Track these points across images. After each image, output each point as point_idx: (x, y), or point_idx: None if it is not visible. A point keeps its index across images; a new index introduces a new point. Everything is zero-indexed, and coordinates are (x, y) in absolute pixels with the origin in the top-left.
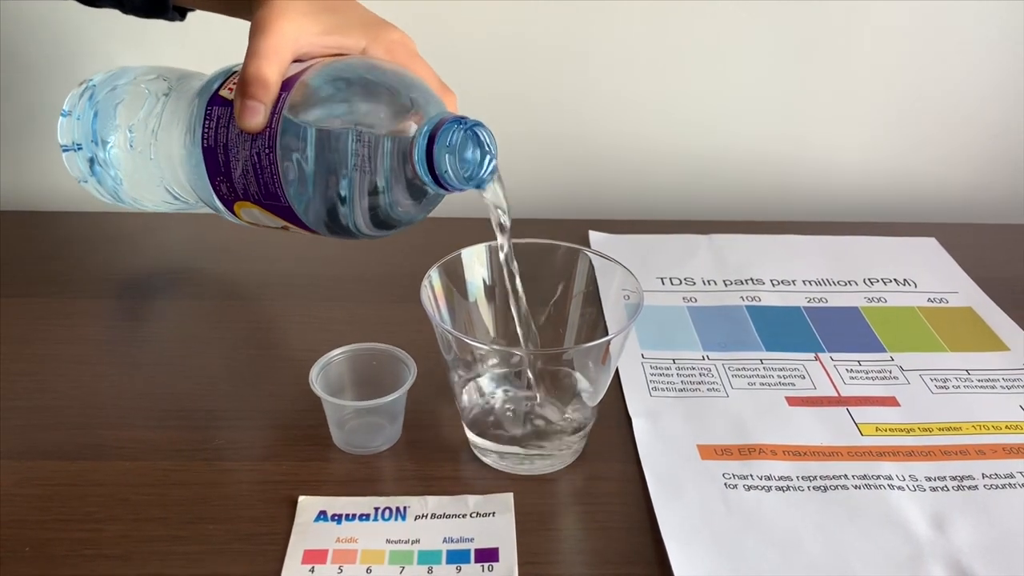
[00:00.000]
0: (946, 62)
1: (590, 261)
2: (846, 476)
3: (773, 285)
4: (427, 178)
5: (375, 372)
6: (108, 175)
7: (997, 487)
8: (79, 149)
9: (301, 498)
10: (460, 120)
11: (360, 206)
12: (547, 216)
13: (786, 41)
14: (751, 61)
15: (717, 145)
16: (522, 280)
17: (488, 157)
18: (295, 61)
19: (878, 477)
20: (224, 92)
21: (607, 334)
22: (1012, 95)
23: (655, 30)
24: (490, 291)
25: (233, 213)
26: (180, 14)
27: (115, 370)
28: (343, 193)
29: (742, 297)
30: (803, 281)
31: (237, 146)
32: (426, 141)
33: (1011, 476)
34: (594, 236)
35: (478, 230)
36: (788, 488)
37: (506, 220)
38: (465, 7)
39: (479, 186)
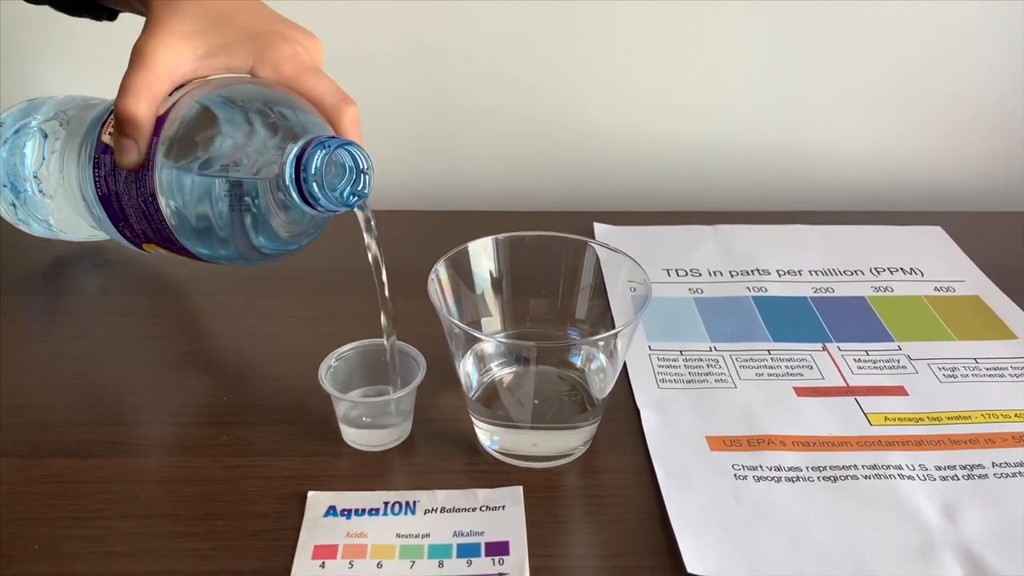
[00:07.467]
0: (951, 50)
1: (597, 253)
2: (856, 466)
3: (779, 275)
4: (303, 205)
5: (385, 367)
6: (34, 217)
7: (1007, 476)
8: (4, 187)
9: (310, 493)
10: (323, 143)
11: (252, 240)
12: (551, 208)
13: (791, 30)
14: (755, 51)
15: (721, 136)
16: (528, 273)
17: (362, 177)
18: (181, 86)
19: (888, 467)
20: (105, 137)
21: (614, 327)
22: (1018, 83)
23: (658, 21)
24: (497, 284)
25: (145, 251)
26: (109, 15)
27: (122, 367)
28: (226, 234)
29: (748, 288)
30: (809, 271)
31: (127, 192)
32: (294, 170)
33: (1021, 464)
34: (599, 228)
35: (484, 223)
36: (798, 479)
37: (372, 219)
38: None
39: (358, 205)
